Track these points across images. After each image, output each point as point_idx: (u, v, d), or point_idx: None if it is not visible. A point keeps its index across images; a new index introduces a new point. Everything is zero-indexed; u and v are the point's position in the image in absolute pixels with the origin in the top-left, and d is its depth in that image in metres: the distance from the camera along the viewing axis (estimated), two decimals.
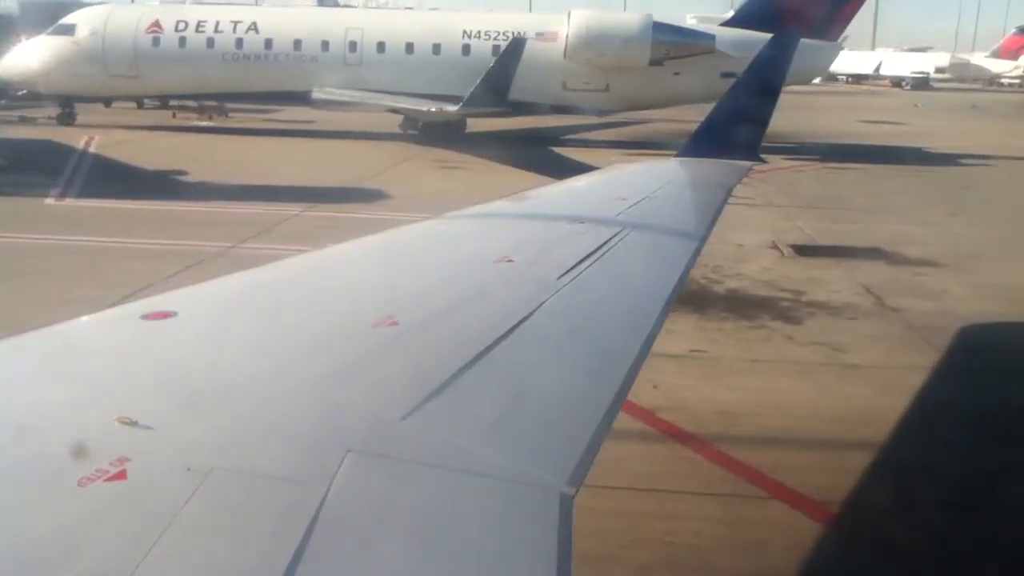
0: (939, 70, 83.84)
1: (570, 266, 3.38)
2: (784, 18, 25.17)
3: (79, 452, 1.62)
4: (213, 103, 29.33)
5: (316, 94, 25.34)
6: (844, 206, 17.69)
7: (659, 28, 25.77)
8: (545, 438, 2.09)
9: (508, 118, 26.21)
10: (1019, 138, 32.64)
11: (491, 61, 24.51)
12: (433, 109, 23.84)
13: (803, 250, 13.20)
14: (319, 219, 14.28)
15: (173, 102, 30.29)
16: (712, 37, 26.16)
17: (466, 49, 25.86)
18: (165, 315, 2.41)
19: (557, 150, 24.60)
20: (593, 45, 25.40)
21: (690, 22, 29.36)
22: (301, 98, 25.87)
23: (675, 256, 3.96)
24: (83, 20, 26.45)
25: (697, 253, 4.10)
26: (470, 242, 4.07)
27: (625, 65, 25.48)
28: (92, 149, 22.19)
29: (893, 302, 10.51)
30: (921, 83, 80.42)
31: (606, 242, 3.84)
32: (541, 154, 23.18)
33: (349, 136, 26.02)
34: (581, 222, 4.31)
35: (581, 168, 19.99)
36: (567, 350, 2.73)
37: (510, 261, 3.39)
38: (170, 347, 2.30)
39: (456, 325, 2.71)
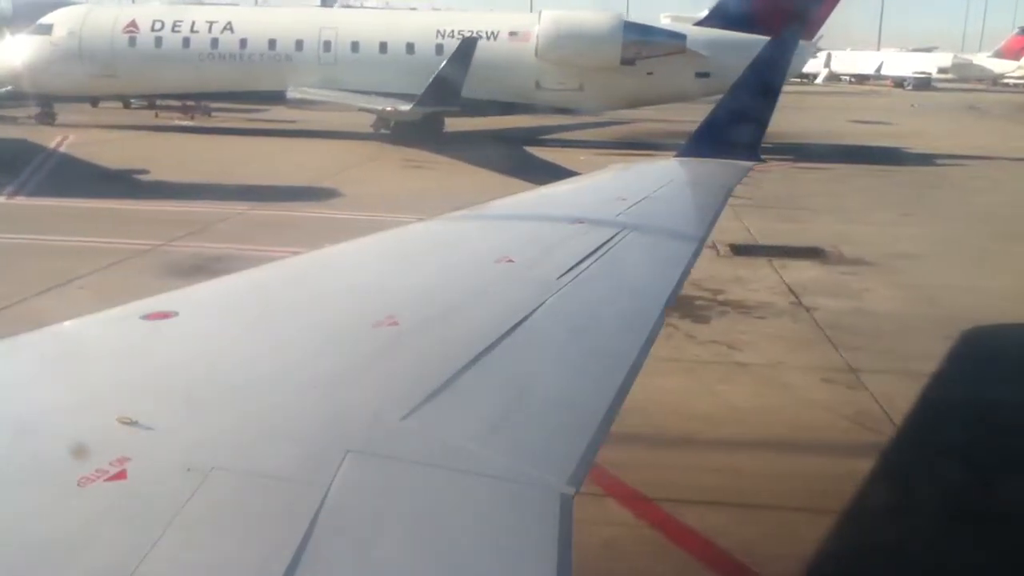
0: (942, 70, 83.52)
1: (570, 266, 3.38)
2: (757, 18, 25.21)
3: (79, 452, 1.62)
4: (195, 103, 29.53)
5: (291, 94, 25.39)
6: (798, 206, 17.57)
7: (630, 27, 25.78)
8: (545, 438, 2.08)
9: (487, 117, 26.53)
10: (1008, 139, 32.60)
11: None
12: (388, 108, 23.92)
13: (740, 249, 13.12)
14: (259, 218, 14.37)
15: (158, 102, 30.47)
16: (683, 37, 26.11)
17: (439, 49, 25.75)
18: (165, 315, 2.41)
19: (532, 150, 24.57)
20: (563, 44, 25.42)
21: (664, 21, 29.46)
22: (276, 98, 25.95)
23: (675, 256, 3.96)
24: (61, 20, 26.65)
25: (697, 253, 4.10)
26: (470, 242, 4.08)
27: (596, 64, 25.48)
28: (63, 149, 22.30)
29: (809, 301, 10.46)
30: (923, 83, 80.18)
31: (606, 242, 3.84)
32: (512, 154, 23.18)
33: (326, 136, 26.13)
34: (581, 222, 4.31)
35: (549, 168, 20.51)
36: (567, 350, 2.73)
37: (510, 261, 3.39)
38: (170, 347, 2.31)
39: (456, 325, 2.71)
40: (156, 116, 30.02)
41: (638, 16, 27.22)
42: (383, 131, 26.47)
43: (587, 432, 2.06)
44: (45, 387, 2.02)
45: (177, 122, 29.11)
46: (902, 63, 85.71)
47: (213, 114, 30.20)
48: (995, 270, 12.39)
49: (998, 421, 7.09)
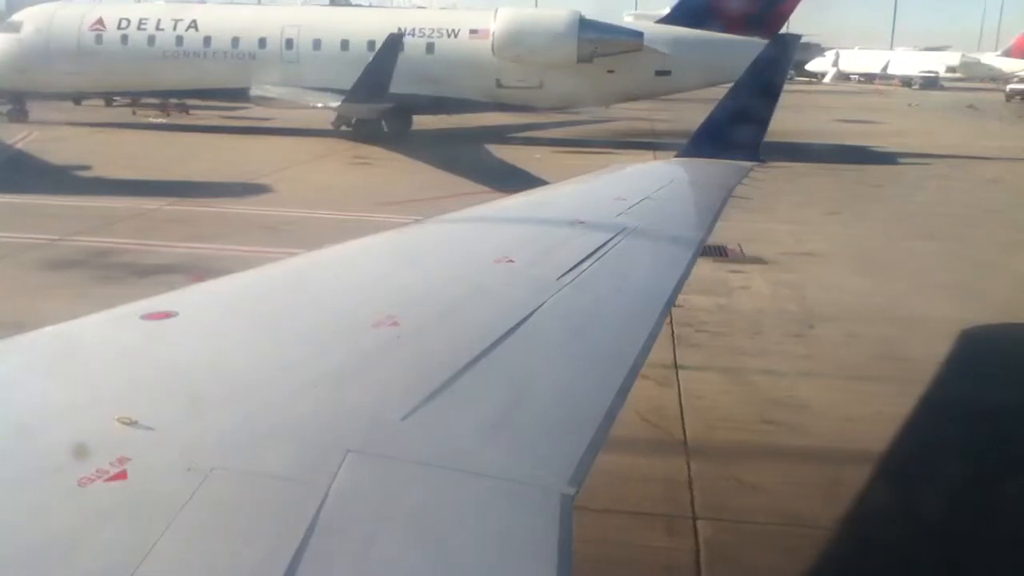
0: (950, 69, 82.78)
1: (570, 266, 3.38)
2: (718, 16, 25.39)
3: (80, 452, 1.62)
4: (177, 100, 29.68)
5: (254, 91, 25.47)
6: (731, 205, 17.28)
7: (586, 25, 25.66)
8: (545, 438, 2.08)
9: (459, 116, 26.72)
10: (988, 138, 32.43)
11: (425, 58, 25.18)
12: (319, 105, 24.02)
13: None
14: (170, 213, 14.63)
15: (139, 100, 30.80)
16: (640, 35, 26.03)
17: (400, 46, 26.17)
18: (165, 315, 2.41)
19: (494, 147, 24.58)
20: (519, 42, 25.36)
21: (627, 19, 29.54)
22: (241, 95, 26.05)
23: (675, 256, 3.97)
24: (30, 17, 26.93)
25: (697, 253, 4.10)
26: (470, 242, 4.07)
27: (553, 62, 25.43)
28: (20, 145, 22.44)
29: (680, 299, 10.32)
30: (931, 83, 79.32)
31: (606, 242, 3.84)
32: (467, 152, 23.29)
33: (293, 133, 26.32)
34: (581, 222, 4.31)
35: (497, 166, 20.66)
36: (567, 350, 2.73)
37: (511, 261, 3.39)
38: (170, 347, 2.30)
39: (456, 325, 2.71)
40: (134, 114, 30.37)
41: (605, 14, 27.27)
42: (344, 128, 26.64)
43: (587, 432, 2.06)
44: (45, 387, 2.02)
45: (152, 119, 29.41)
46: (909, 62, 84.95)
47: (191, 111, 30.38)
48: (882, 269, 12.36)
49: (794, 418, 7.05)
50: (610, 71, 25.77)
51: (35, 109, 27.55)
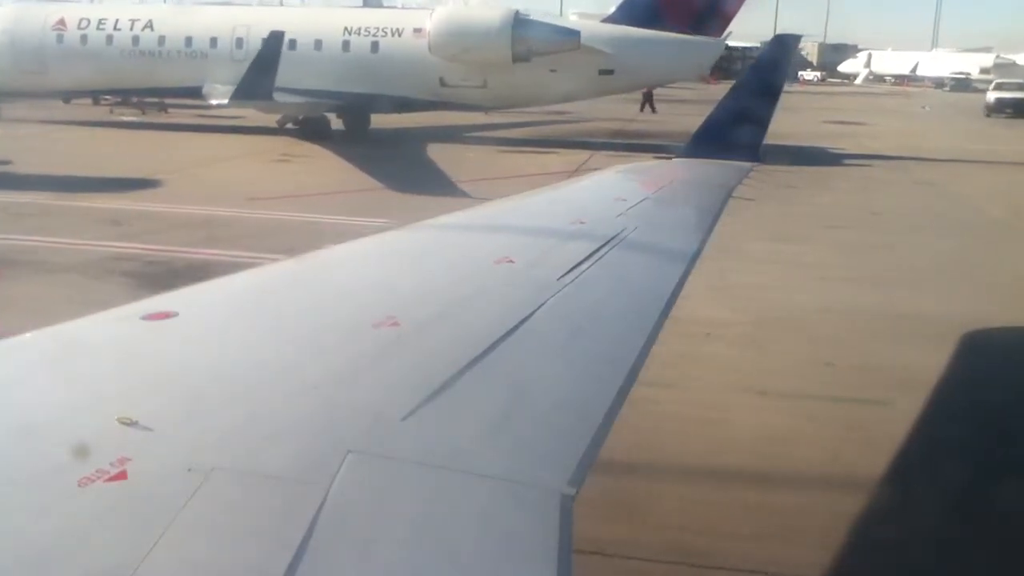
0: (984, 71, 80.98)
1: (570, 267, 3.38)
2: (663, 15, 25.44)
3: (80, 452, 1.62)
4: (157, 99, 30.11)
5: (206, 90, 25.64)
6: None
7: (521, 24, 25.64)
8: (545, 439, 2.08)
9: (401, 114, 26.92)
10: (982, 142, 32.31)
11: (369, 56, 25.54)
12: (215, 103, 24.27)
13: None
14: (31, 207, 14.70)
15: (116, 99, 31.26)
16: (577, 33, 25.97)
17: (346, 45, 26.34)
18: (166, 315, 2.41)
19: (441, 146, 24.71)
20: (454, 41, 25.39)
21: (572, 18, 29.73)
22: (195, 94, 26.25)
23: (675, 257, 3.97)
24: None
25: (697, 254, 4.11)
26: (471, 242, 4.07)
27: (488, 60, 25.44)
28: None
29: None
30: (962, 84, 77.85)
31: (606, 243, 3.84)
32: (402, 151, 23.59)
33: (254, 131, 26.80)
34: (581, 223, 4.31)
35: (425, 166, 20.81)
36: (567, 351, 2.73)
37: (511, 262, 3.38)
38: (171, 347, 2.30)
39: (457, 326, 2.71)
40: (111, 112, 30.72)
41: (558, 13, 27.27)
42: (290, 126, 27.03)
43: (587, 433, 2.06)
44: (45, 387, 2.02)
45: (123, 118, 29.78)
46: (941, 63, 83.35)
47: (169, 111, 30.69)
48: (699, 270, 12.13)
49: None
50: (552, 70, 25.81)
51: (21, 108, 27.83)
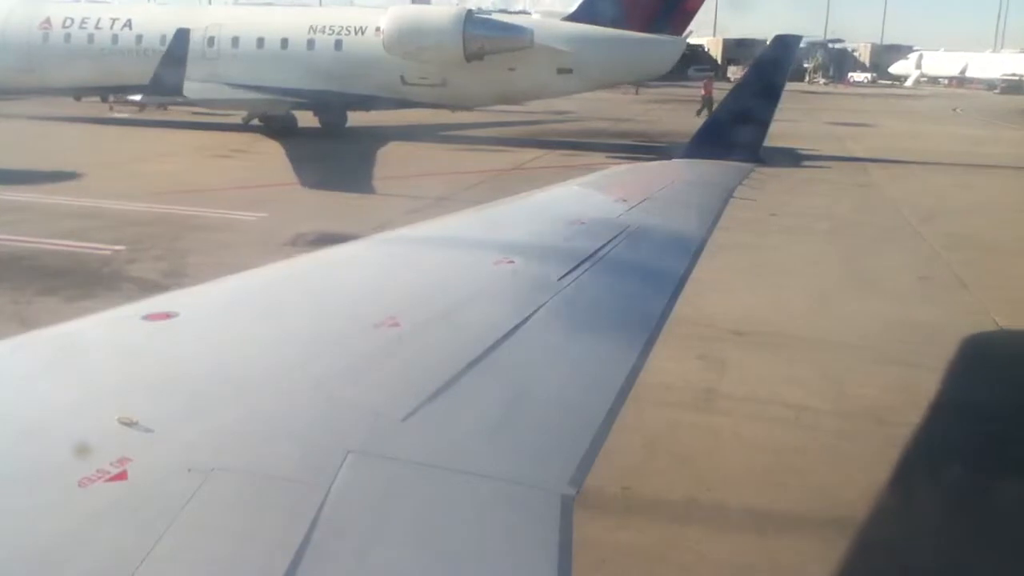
0: None
1: (571, 267, 3.38)
2: (623, 14, 25.44)
3: (80, 452, 1.62)
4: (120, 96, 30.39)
5: (131, 89, 26.00)
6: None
7: (473, 22, 25.78)
8: (546, 439, 2.08)
9: (372, 112, 27.17)
10: (988, 145, 31.85)
11: (334, 54, 25.95)
12: (129, 99, 24.55)
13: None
14: None
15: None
16: (529, 31, 26.08)
17: (311, 44, 26.78)
18: (166, 315, 2.41)
19: (400, 144, 24.97)
20: (405, 39, 25.57)
21: (534, 16, 29.62)
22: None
23: (675, 257, 3.96)
24: None
25: (698, 254, 4.10)
26: (471, 243, 4.06)
27: (440, 59, 25.61)
28: None
29: None
30: (1014, 86, 75.65)
31: (607, 243, 3.84)
32: (357, 150, 23.82)
33: (220, 128, 27.18)
34: (582, 223, 4.31)
35: (363, 167, 20.85)
36: (568, 351, 2.73)
37: (511, 262, 3.38)
38: (171, 347, 2.30)
39: (457, 326, 2.70)
40: (111, 109, 31.08)
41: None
42: (254, 123, 27.45)
43: (588, 433, 2.06)
44: (45, 387, 2.02)
45: (116, 114, 30.26)
46: (992, 65, 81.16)
47: (167, 108, 30.78)
48: None
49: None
50: (511, 69, 25.96)
51: (24, 104, 28.43)
